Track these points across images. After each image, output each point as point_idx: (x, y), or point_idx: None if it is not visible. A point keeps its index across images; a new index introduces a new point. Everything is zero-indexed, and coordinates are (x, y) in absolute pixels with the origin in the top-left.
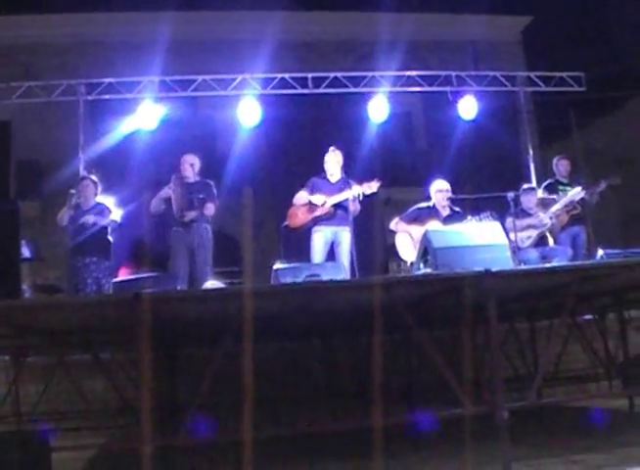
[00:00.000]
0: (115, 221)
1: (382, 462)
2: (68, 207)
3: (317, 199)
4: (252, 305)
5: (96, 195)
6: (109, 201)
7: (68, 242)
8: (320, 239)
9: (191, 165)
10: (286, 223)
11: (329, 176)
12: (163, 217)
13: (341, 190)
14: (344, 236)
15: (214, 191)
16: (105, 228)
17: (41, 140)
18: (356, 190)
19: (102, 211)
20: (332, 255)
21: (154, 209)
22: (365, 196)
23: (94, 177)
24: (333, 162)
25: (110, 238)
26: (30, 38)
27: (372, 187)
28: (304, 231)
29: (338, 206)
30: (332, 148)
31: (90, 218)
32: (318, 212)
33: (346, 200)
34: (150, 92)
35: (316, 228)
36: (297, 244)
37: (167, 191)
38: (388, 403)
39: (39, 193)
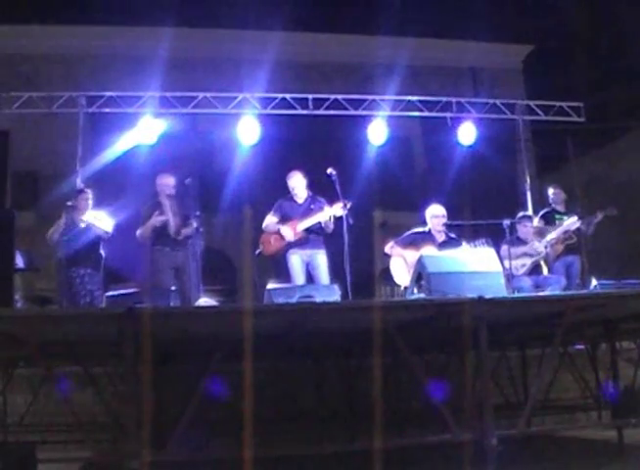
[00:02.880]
0: (108, 232)
1: None
2: (61, 226)
3: (286, 232)
4: (249, 323)
5: (88, 209)
6: (101, 214)
7: (60, 252)
8: (297, 261)
9: (170, 186)
10: (258, 250)
11: (295, 197)
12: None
13: (310, 210)
14: (320, 259)
15: (196, 205)
16: (97, 241)
17: (40, 151)
18: (327, 212)
19: (93, 224)
20: (309, 277)
21: (143, 238)
22: (336, 217)
23: (89, 192)
24: (297, 183)
25: (102, 252)
26: (33, 49)
27: (339, 209)
28: (279, 257)
29: (309, 229)
30: (330, 170)
31: (89, 219)
32: (290, 239)
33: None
34: (150, 107)
35: (291, 251)
36: (271, 268)
37: (161, 219)
38: (377, 427)
39: (35, 203)
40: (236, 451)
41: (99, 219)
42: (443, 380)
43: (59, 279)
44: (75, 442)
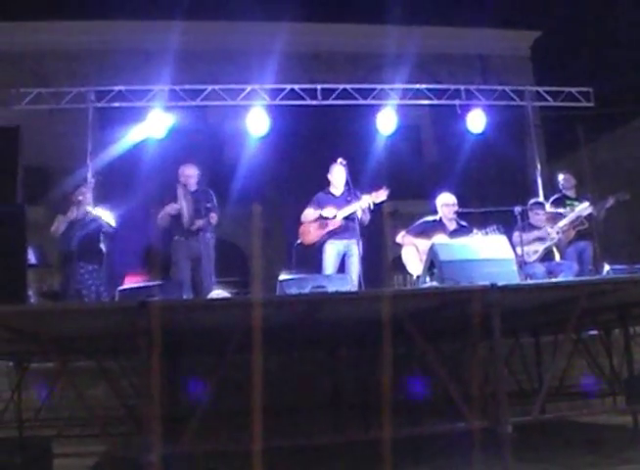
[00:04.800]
0: (112, 226)
1: None
2: (66, 220)
3: (328, 212)
4: (262, 315)
5: (90, 203)
6: (103, 210)
7: (65, 247)
8: (332, 251)
9: (192, 176)
10: (299, 241)
11: (333, 190)
12: (167, 227)
13: (348, 202)
14: (354, 249)
15: (215, 200)
16: (99, 236)
17: (49, 146)
18: (366, 200)
19: (97, 218)
20: (342, 267)
21: (161, 223)
22: (375, 205)
23: (87, 186)
24: (340, 175)
25: (102, 247)
26: (41, 44)
27: (381, 195)
28: (317, 247)
29: (347, 218)
30: (340, 160)
31: (93, 213)
32: (331, 227)
33: (354, 212)
34: (159, 101)
35: (329, 241)
36: (311, 258)
37: (175, 206)
38: (390, 416)
39: (46, 199)
40: (250, 443)
41: (103, 215)
42: (457, 368)
43: (65, 274)
44: (91, 436)
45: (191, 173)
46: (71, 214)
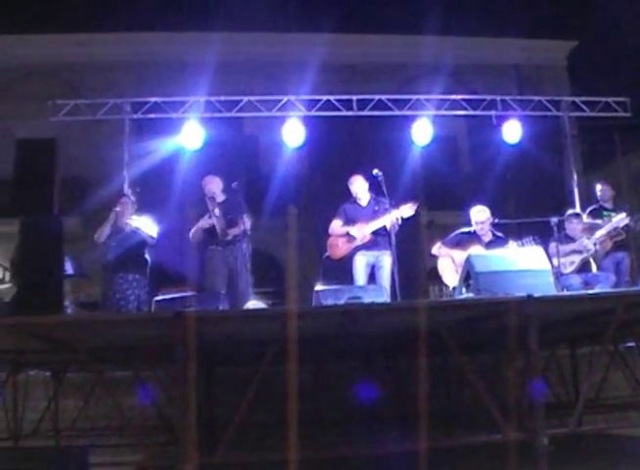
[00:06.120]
0: (153, 238)
1: None
2: (108, 225)
3: (356, 232)
4: (296, 326)
5: (132, 214)
6: (145, 219)
7: (107, 256)
8: (362, 262)
9: (217, 187)
10: (327, 254)
11: (359, 201)
12: (201, 239)
13: (375, 212)
14: (386, 260)
15: (244, 206)
16: (143, 246)
17: (86, 157)
18: (394, 214)
19: (138, 228)
20: (373, 277)
21: (194, 239)
22: (404, 218)
23: (131, 196)
24: (360, 187)
25: (147, 257)
26: (78, 57)
27: (409, 209)
28: (345, 260)
29: (376, 231)
30: (376, 171)
31: (134, 224)
32: (359, 242)
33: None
34: (195, 112)
35: (358, 253)
36: (338, 271)
37: (209, 221)
38: (426, 428)
39: (82, 209)
40: (286, 454)
41: (144, 225)
42: (493, 380)
43: (105, 283)
44: (127, 445)
45: (214, 185)
46: (113, 222)
